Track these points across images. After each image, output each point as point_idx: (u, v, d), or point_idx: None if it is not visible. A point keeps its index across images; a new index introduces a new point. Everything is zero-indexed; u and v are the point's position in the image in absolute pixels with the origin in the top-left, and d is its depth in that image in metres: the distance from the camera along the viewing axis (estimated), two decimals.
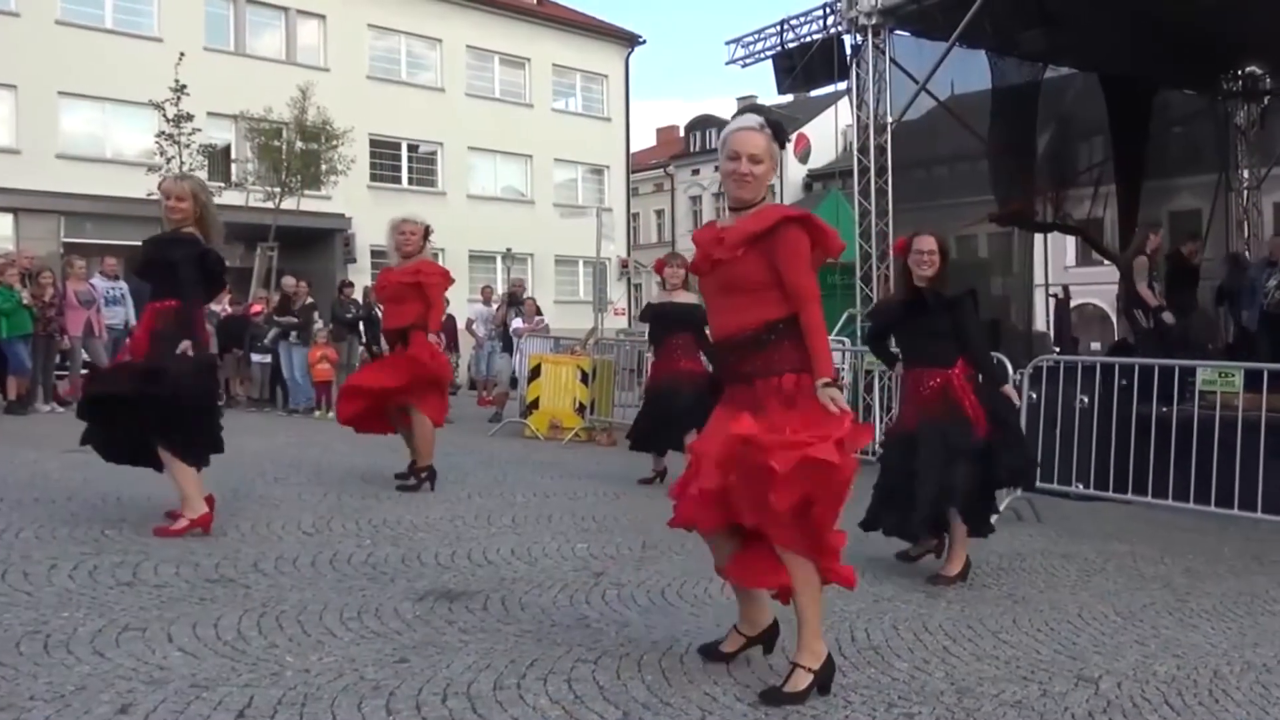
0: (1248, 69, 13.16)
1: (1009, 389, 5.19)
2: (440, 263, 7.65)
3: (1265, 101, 13.59)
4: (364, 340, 13.27)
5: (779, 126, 3.23)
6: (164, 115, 17.35)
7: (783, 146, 3.28)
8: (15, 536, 4.90)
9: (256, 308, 13.86)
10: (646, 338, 7.87)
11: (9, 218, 20.21)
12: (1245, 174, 13.93)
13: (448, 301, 7.26)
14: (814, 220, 3.20)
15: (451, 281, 7.01)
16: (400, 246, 6.83)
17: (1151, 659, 3.73)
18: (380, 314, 10.43)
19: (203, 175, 18.60)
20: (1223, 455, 6.52)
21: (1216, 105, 13.55)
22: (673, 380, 7.27)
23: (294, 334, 12.72)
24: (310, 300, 13.19)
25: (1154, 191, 13.63)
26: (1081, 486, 7.23)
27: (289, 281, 13.71)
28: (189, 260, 5.03)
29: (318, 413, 12.36)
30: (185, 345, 4.97)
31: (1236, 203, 13.97)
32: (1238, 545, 6.00)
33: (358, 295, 14.16)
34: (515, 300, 13.45)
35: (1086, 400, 7.42)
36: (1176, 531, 6.39)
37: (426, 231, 6.91)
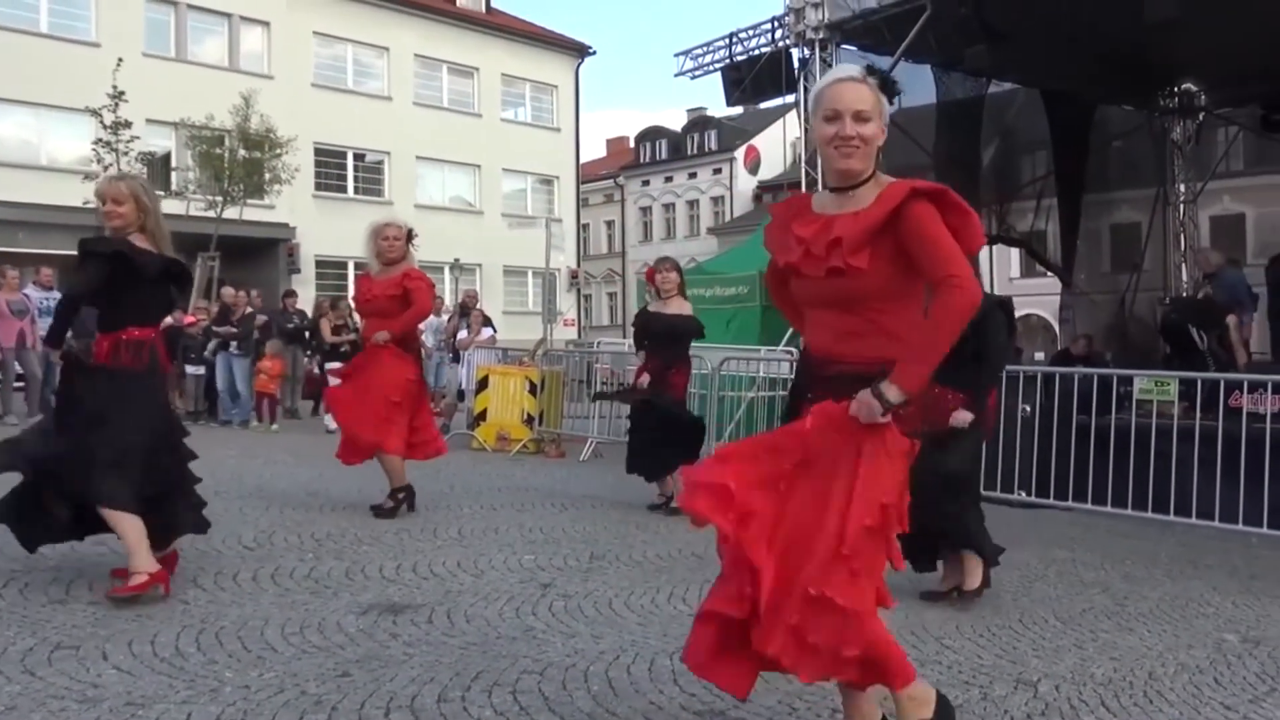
0: (1183, 86, 13.54)
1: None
2: None
3: (1200, 118, 13.99)
4: (309, 352, 13.10)
5: (887, 78, 2.59)
6: (101, 122, 17.01)
7: (891, 102, 2.61)
8: None
9: (190, 319, 13.58)
10: (634, 346, 7.30)
11: None
12: (1182, 188, 14.31)
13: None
14: (951, 197, 2.49)
15: (435, 292, 6.71)
16: (384, 253, 6.32)
17: (1089, 662, 3.79)
18: (359, 326, 10.27)
19: None
20: (1159, 463, 6.68)
21: (1154, 121, 13.93)
22: (659, 396, 6.76)
23: (234, 345, 12.50)
24: (250, 310, 12.97)
25: (1095, 205, 13.96)
26: (1024, 494, 7.36)
27: (228, 291, 13.47)
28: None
29: (256, 425, 12.16)
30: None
31: (1174, 216, 14.35)
32: (1173, 550, 6.14)
33: (305, 305, 13.98)
34: (466, 311, 13.36)
35: (1029, 409, 7.55)
36: (1116, 537, 6.52)
37: (410, 235, 6.46)
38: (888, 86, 2.55)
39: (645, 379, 6.80)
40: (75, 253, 4.36)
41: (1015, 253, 21.04)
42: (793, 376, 2.87)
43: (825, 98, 2.53)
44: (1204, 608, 4.73)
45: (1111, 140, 13.91)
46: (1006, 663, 3.76)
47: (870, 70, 2.56)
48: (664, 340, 6.76)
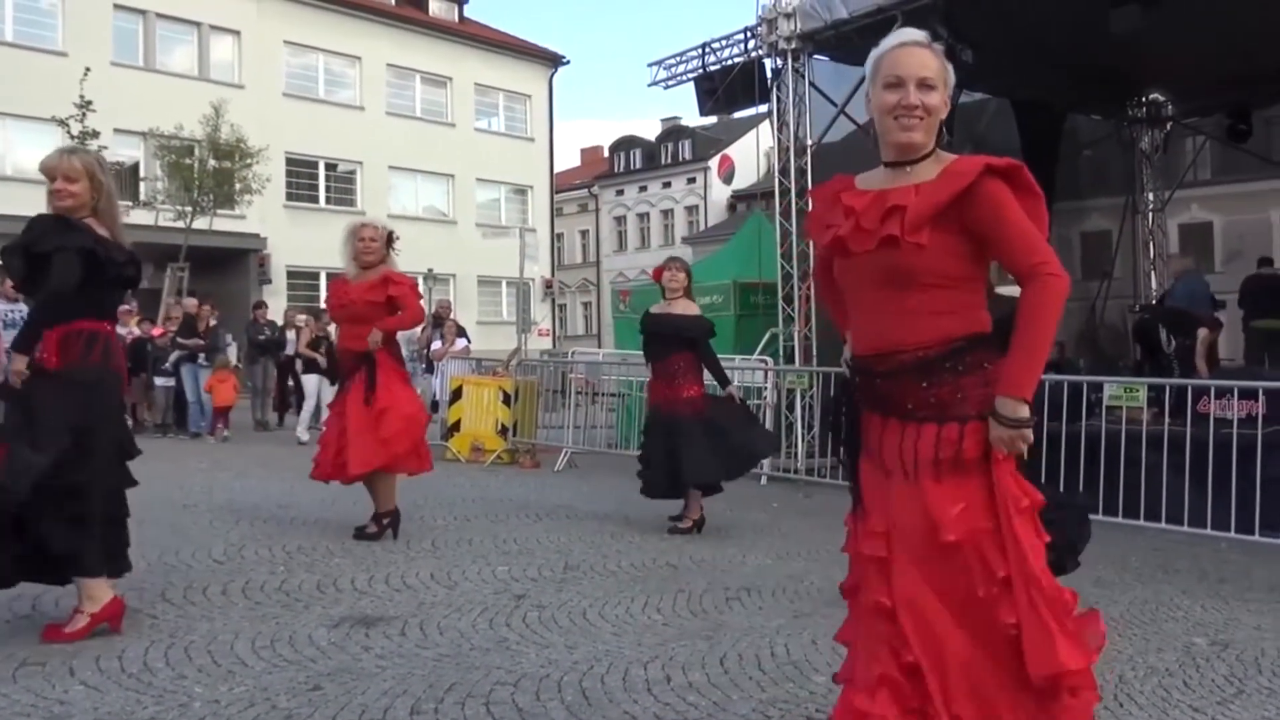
0: (1151, 96, 13.71)
1: None
2: None
3: (1168, 127, 14.16)
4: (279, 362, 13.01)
5: (952, 47, 2.38)
6: (69, 132, 16.86)
7: (955, 66, 2.36)
8: None
9: (158, 330, 13.46)
10: (642, 352, 6.86)
11: None
12: (1150, 196, 14.47)
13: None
14: (1025, 176, 2.25)
15: (419, 293, 6.25)
16: (360, 255, 5.97)
17: None
18: (334, 334, 10.13)
19: None
20: (1129, 468, 6.73)
21: (1123, 130, 14.08)
22: (673, 411, 6.33)
23: (201, 356, 12.40)
24: (214, 322, 12.84)
25: (1065, 213, 14.09)
26: None
27: (190, 303, 13.34)
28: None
29: (212, 438, 12.05)
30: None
31: (1143, 224, 14.50)
32: (1145, 555, 6.19)
33: (276, 316, 13.88)
34: (440, 321, 13.31)
35: None
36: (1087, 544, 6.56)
37: (390, 238, 6.12)
38: (953, 55, 2.37)
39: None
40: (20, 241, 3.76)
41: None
42: (835, 390, 2.60)
43: (886, 63, 2.29)
44: (1174, 611, 4.77)
45: (1081, 149, 14.05)
46: None
47: (935, 37, 2.34)
48: (673, 343, 6.42)
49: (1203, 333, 9.39)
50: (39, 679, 3.31)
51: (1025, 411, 2.17)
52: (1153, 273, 14.25)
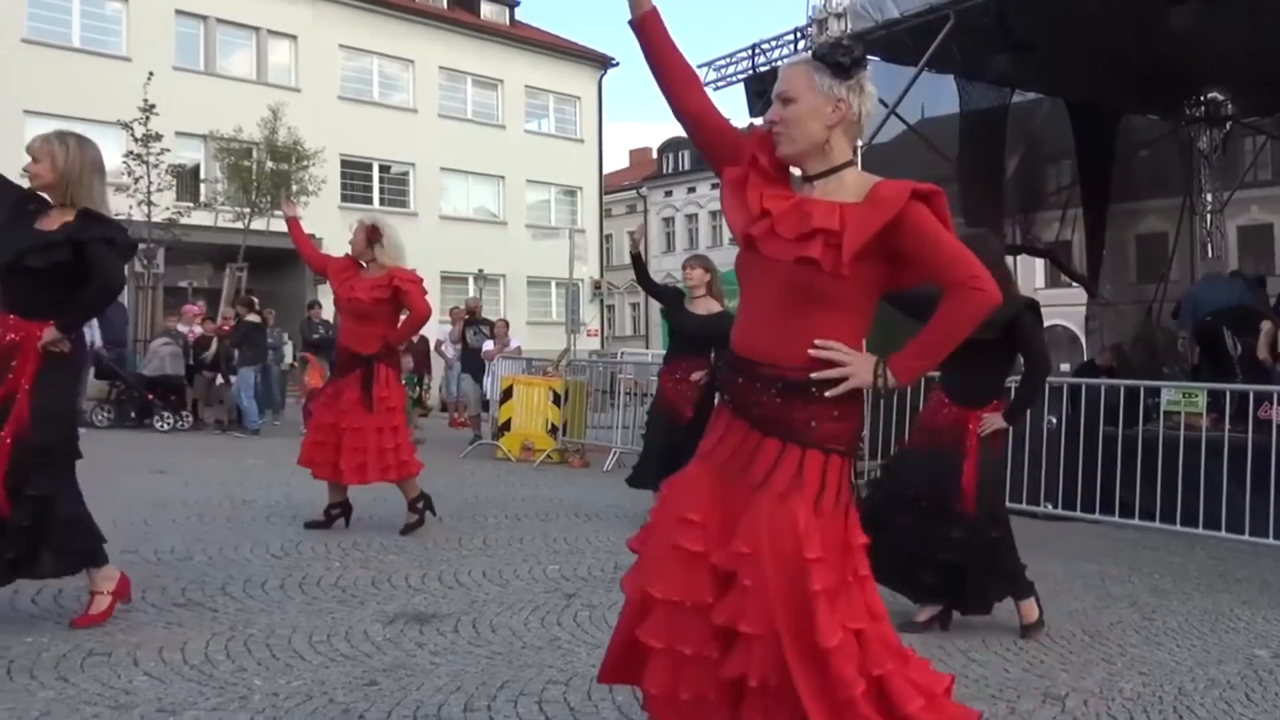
0: (1210, 95, 13.43)
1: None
2: None
3: (1227, 127, 13.87)
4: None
5: (834, 49, 2.30)
6: (132, 135, 17.25)
7: (845, 75, 2.27)
8: None
9: (215, 326, 13.79)
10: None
11: None
12: (1209, 197, 14.18)
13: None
14: (943, 200, 2.28)
15: (425, 291, 6.03)
16: (353, 252, 5.99)
17: (1118, 676, 3.76)
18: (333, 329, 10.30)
19: (170, 195, 18.55)
20: (1187, 475, 6.62)
21: (1180, 130, 13.81)
22: (677, 415, 6.21)
23: (236, 354, 12.65)
24: (252, 318, 13.05)
25: (1120, 215, 13.86)
26: (1050, 506, 7.31)
27: (227, 312, 13.65)
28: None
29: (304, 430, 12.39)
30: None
31: (1200, 226, 14.22)
32: (1203, 564, 6.08)
33: (327, 315, 14.08)
34: (475, 320, 13.39)
35: (1055, 421, 7.50)
36: (1143, 550, 6.46)
37: (371, 232, 5.92)
38: (834, 61, 2.26)
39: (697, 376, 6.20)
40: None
41: (1040, 263, 20.93)
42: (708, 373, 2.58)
43: None
44: (1234, 622, 4.68)
45: (1137, 150, 13.81)
46: (1034, 677, 3.73)
47: (825, 43, 2.34)
48: (701, 343, 6.33)
49: (1266, 325, 9.18)
50: (105, 669, 3.41)
51: (891, 384, 2.23)
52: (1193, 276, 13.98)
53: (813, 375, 2.21)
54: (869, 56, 8.69)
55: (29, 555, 3.73)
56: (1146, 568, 5.92)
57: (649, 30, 2.43)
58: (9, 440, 3.66)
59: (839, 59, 2.27)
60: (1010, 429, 4.38)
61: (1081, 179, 13.26)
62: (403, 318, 6.03)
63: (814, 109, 2.26)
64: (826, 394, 2.21)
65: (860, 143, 10.00)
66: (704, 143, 2.44)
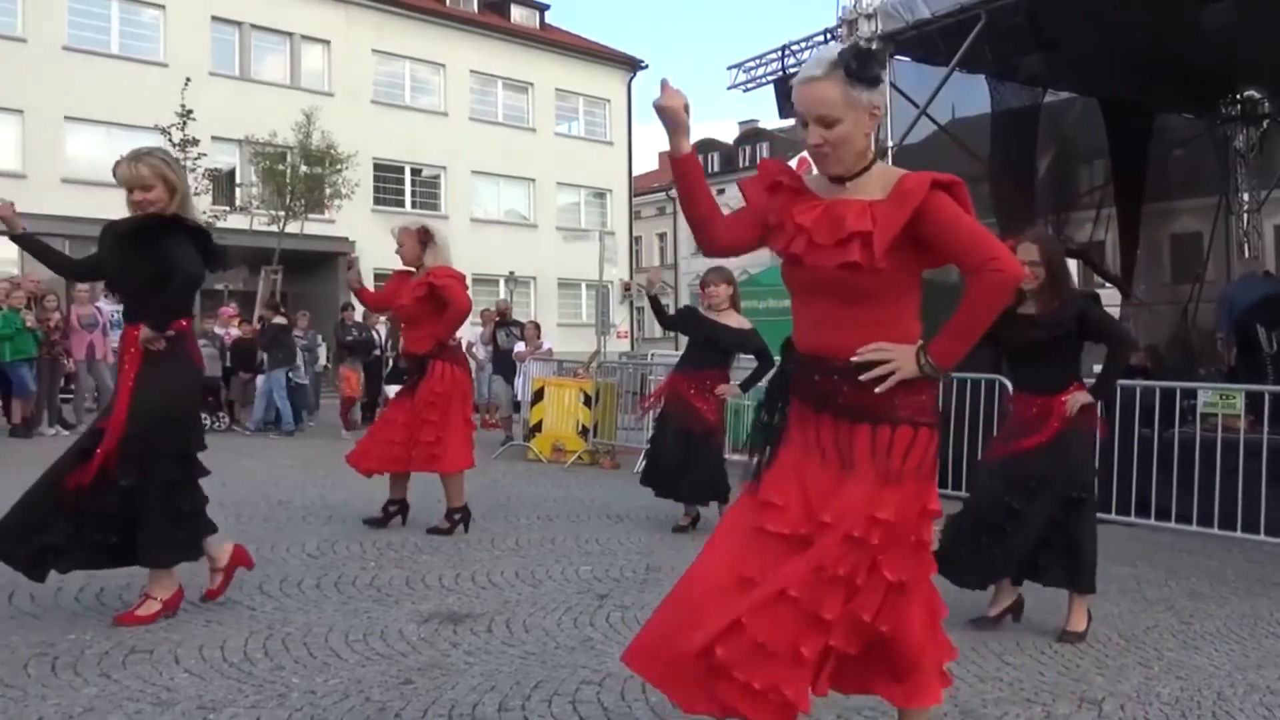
0: (1246, 93, 13.25)
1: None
2: None
3: (1264, 125, 13.67)
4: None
5: (858, 56, 2.34)
6: (169, 139, 17.49)
7: (864, 79, 2.33)
8: None
9: (250, 328, 14.00)
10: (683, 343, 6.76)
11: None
12: (1245, 197, 13.98)
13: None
14: (964, 189, 2.39)
15: (465, 285, 6.14)
16: (400, 259, 6.15)
17: (1155, 681, 3.73)
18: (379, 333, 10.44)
19: (208, 199, 18.79)
20: (1225, 478, 6.54)
21: (1216, 129, 13.63)
22: (687, 422, 6.32)
23: (265, 357, 12.80)
24: (279, 321, 13.21)
25: (1155, 214, 13.69)
26: None
27: (248, 328, 13.84)
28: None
29: (346, 431, 12.54)
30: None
31: (1236, 225, 14.03)
32: (1241, 568, 6.00)
33: (359, 317, 14.21)
34: (506, 321, 13.47)
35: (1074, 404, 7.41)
36: (1180, 554, 6.39)
37: (422, 235, 6.06)
38: (860, 70, 2.32)
39: (724, 389, 6.32)
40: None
41: (1071, 264, 20.68)
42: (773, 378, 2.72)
43: (796, 103, 2.42)
44: (1274, 626, 4.63)
45: (1172, 149, 13.64)
46: (1069, 680, 3.71)
47: (837, 62, 2.33)
48: (727, 355, 6.43)
49: None
50: (147, 666, 3.47)
51: (933, 371, 2.38)
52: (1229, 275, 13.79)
53: (862, 377, 2.36)
54: (899, 57, 8.62)
55: (129, 543, 3.92)
56: (1183, 571, 5.86)
57: (687, 170, 2.57)
58: (113, 432, 3.84)
59: (875, 74, 2.35)
60: (1099, 405, 4.46)
61: (1115, 178, 13.13)
62: None
63: (857, 124, 2.36)
64: (876, 390, 2.36)
65: (891, 144, 10.01)
66: (750, 248, 2.65)
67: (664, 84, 2.52)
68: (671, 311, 6.95)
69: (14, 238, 4.26)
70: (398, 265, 6.20)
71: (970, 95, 11.44)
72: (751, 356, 6.52)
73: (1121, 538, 6.87)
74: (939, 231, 2.33)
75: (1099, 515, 7.02)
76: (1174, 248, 14.98)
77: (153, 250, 3.92)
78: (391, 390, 12.30)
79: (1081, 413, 4.25)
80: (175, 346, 3.98)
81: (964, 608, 4.34)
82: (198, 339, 4.35)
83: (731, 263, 6.43)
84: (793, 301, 2.54)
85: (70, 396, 12.29)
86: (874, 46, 10.14)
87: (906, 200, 2.31)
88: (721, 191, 46.79)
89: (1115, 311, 15.21)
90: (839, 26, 10.56)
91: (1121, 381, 8.02)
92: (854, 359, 2.37)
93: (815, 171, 2.57)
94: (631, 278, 31.27)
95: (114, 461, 3.84)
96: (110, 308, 12.27)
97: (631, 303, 31.81)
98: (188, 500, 4.05)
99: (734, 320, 6.38)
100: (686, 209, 2.65)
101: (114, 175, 4.03)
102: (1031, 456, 4.21)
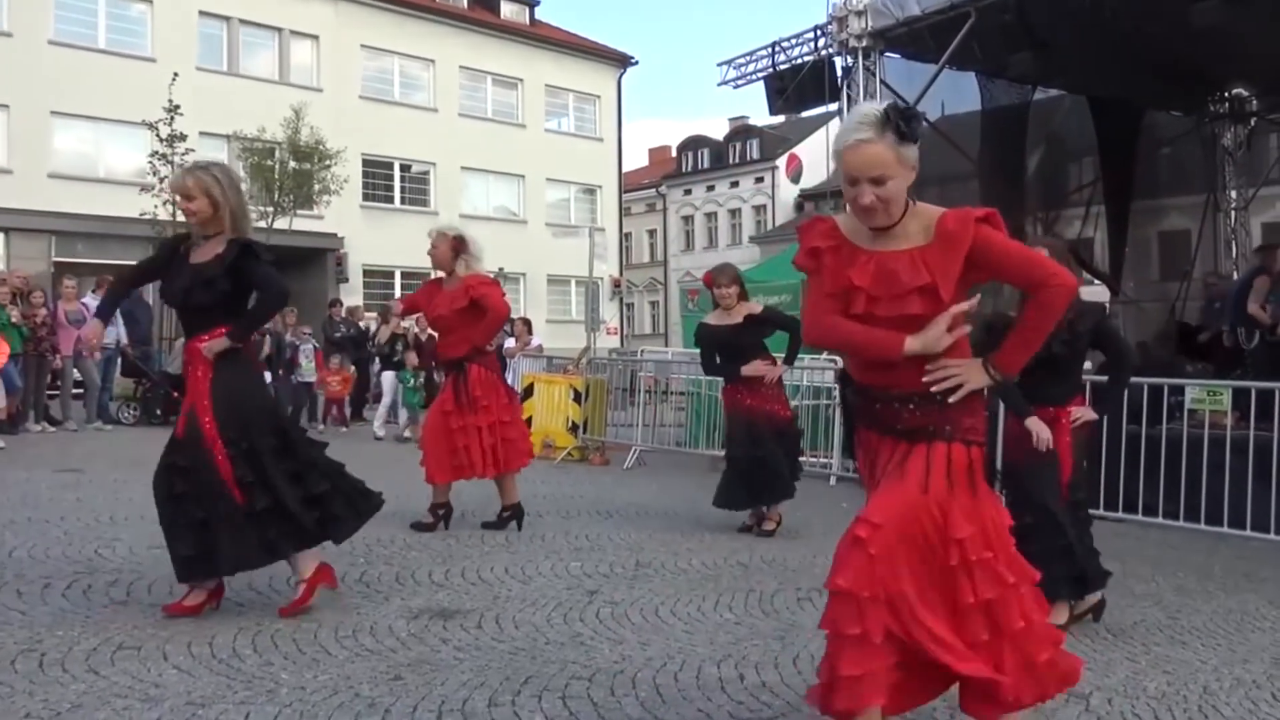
0: (1234, 91, 13.33)
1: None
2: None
3: (1252, 123, 13.77)
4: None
5: (906, 118, 2.47)
6: (157, 135, 17.40)
7: (913, 139, 2.49)
8: (9, 555, 4.91)
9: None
10: (703, 364, 6.81)
11: (0, 237, 20.22)
12: (1233, 194, 14.07)
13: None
14: (999, 218, 2.58)
15: (501, 290, 6.29)
16: (433, 263, 6.19)
17: (1142, 675, 3.75)
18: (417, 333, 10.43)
19: None
20: (1212, 474, 6.58)
21: (1204, 126, 13.72)
22: (758, 423, 6.33)
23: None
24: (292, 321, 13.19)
25: (1143, 212, 13.77)
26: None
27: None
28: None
29: (321, 427, 12.51)
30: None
31: (1224, 223, 14.12)
32: (1228, 563, 6.04)
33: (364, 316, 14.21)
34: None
35: (1078, 419, 7.44)
36: (1167, 550, 6.42)
37: (456, 244, 6.09)
38: (906, 129, 2.45)
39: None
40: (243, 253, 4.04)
41: None
42: (840, 401, 3.00)
43: (843, 160, 2.49)
44: (1260, 622, 4.66)
45: (1160, 146, 13.72)
46: None
47: (886, 120, 2.44)
48: (757, 345, 6.39)
49: (1259, 280, 9.09)
50: (135, 662, 3.46)
51: (1001, 378, 2.61)
52: (1235, 273, 13.86)
53: (933, 389, 2.55)
54: (889, 54, 8.65)
55: (287, 531, 4.03)
56: (1170, 567, 5.89)
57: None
58: (214, 439, 3.94)
59: (914, 130, 2.49)
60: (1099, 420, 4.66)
61: (1103, 176, 13.20)
62: None
63: (904, 179, 2.51)
64: (950, 399, 2.56)
65: None
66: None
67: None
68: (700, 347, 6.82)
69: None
70: (388, 261, 6.26)
71: (960, 92, 11.49)
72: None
73: (1109, 534, 6.88)
74: (993, 262, 2.51)
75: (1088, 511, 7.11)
76: (1162, 245, 15.07)
77: (235, 274, 4.04)
78: (386, 378, 12.28)
79: (1081, 427, 4.41)
80: (244, 352, 4.17)
81: None
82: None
83: (722, 262, 6.40)
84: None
85: (57, 393, 12.21)
86: (863, 44, 10.19)
87: (955, 244, 2.49)
88: (711, 188, 46.62)
89: (1104, 308, 15.31)
90: (829, 23, 10.58)
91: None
92: (925, 379, 2.54)
93: (844, 214, 2.69)
94: (621, 274, 31.30)
95: (235, 466, 3.94)
96: (97, 304, 12.21)
97: (621, 299, 31.81)
98: (315, 483, 4.13)
99: (744, 312, 6.35)
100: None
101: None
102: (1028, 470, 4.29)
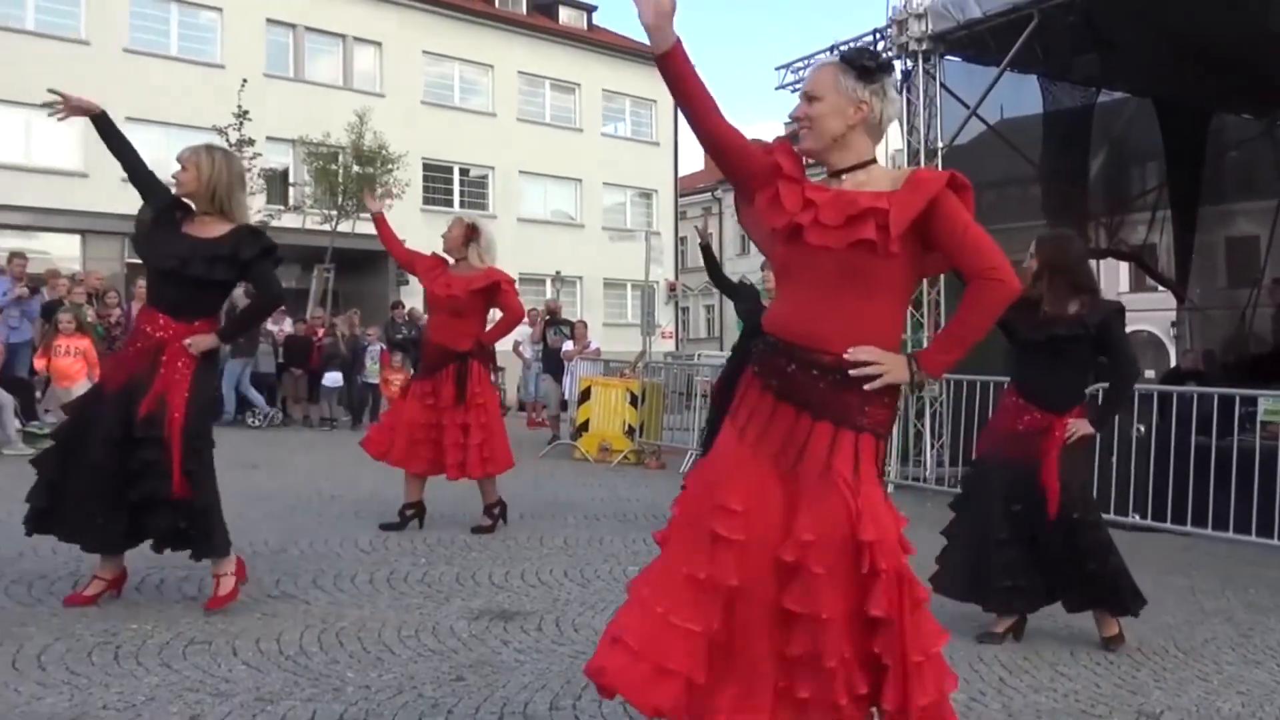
0: None
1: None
2: None
3: None
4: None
5: (860, 53, 2.43)
6: (226, 140, 17.78)
7: (869, 78, 2.41)
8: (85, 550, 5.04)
9: (322, 330, 14.21)
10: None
11: (76, 239, 20.81)
12: None
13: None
14: (972, 195, 2.41)
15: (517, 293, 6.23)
16: (446, 247, 6.18)
17: (1215, 695, 3.67)
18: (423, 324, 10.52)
19: (262, 199, 19.11)
20: None
21: (1274, 129, 13.33)
22: None
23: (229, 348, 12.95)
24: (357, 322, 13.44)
25: (1210, 217, 13.43)
26: (1138, 517, 7.13)
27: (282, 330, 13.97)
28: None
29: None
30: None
31: None
32: None
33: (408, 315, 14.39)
34: (555, 320, 13.56)
35: (1143, 430, 7.31)
36: (1237, 564, 6.26)
37: (469, 230, 6.10)
38: (859, 65, 2.39)
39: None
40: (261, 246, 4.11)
41: (1124, 267, 20.33)
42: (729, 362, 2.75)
43: None
44: None
45: (1228, 150, 13.35)
46: (1126, 693, 3.66)
47: (855, 51, 2.44)
48: None
49: None
50: (205, 657, 3.54)
51: (922, 379, 2.37)
52: None
53: (852, 373, 2.32)
54: (949, 57, 8.54)
55: (201, 533, 4.02)
56: (1241, 582, 5.75)
57: (676, 62, 2.41)
58: (178, 431, 3.94)
59: (864, 62, 2.40)
60: (1097, 435, 4.33)
61: (1170, 180, 12.90)
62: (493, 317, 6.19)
63: (836, 107, 2.40)
64: (866, 387, 2.33)
65: (940, 145, 9.92)
66: (729, 166, 2.53)
67: None
68: (737, 280, 6.76)
69: (95, 118, 4.58)
70: None
71: (1021, 95, 11.29)
72: None
73: (1175, 547, 6.76)
74: (948, 229, 2.32)
75: (1154, 524, 6.96)
76: (1230, 251, 14.68)
77: (247, 266, 4.10)
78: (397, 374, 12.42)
79: (1077, 441, 4.16)
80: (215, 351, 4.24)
81: (969, 620, 4.30)
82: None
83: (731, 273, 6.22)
84: (779, 283, 2.52)
85: None
86: (923, 47, 10.08)
87: (922, 189, 2.31)
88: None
89: (1167, 316, 14.95)
90: (889, 26, 10.47)
91: (1178, 388, 7.90)
92: (846, 356, 2.31)
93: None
94: (677, 278, 31.29)
95: (188, 458, 3.96)
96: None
97: (677, 303, 31.81)
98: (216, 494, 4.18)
99: None
100: (684, 102, 2.48)
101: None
102: (1026, 479, 4.13)
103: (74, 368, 9.53)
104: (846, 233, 2.30)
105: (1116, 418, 4.79)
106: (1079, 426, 4.15)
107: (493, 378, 6.28)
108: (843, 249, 2.31)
